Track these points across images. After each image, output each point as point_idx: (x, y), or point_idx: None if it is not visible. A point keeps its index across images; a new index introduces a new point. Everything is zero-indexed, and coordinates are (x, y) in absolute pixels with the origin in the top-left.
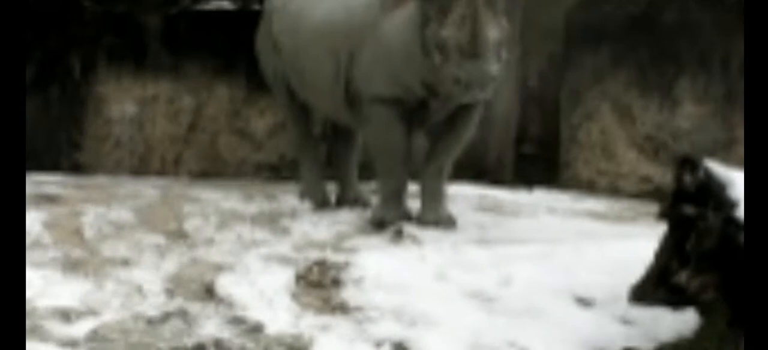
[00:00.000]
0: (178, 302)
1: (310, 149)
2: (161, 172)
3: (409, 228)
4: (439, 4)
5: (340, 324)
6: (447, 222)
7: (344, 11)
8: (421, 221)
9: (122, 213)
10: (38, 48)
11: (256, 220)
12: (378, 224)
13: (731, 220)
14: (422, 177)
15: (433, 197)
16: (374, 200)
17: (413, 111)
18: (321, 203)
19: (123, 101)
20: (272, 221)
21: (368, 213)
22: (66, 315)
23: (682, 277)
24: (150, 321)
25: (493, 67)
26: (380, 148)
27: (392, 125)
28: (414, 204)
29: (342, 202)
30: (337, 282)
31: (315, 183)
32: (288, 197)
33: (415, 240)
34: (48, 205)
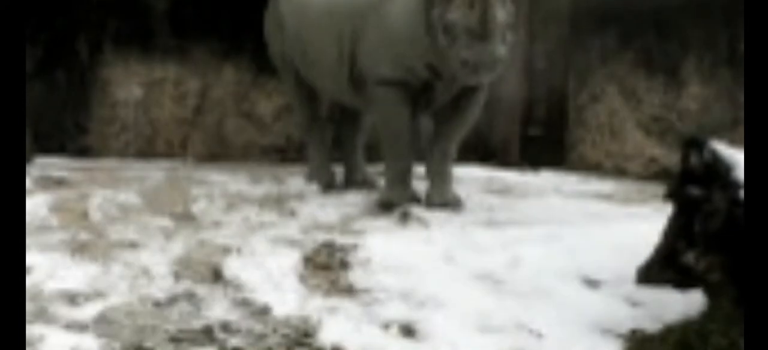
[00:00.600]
0: (185, 284)
1: (317, 131)
2: (168, 155)
3: (417, 210)
4: None
5: (347, 306)
6: (454, 204)
7: None
8: (429, 202)
9: (129, 196)
10: (45, 32)
11: (263, 202)
12: (385, 206)
13: (737, 201)
14: (429, 159)
15: (440, 179)
16: (381, 182)
17: (418, 93)
18: (328, 186)
19: (129, 84)
20: (279, 203)
21: (375, 195)
22: (73, 298)
23: (689, 258)
24: (157, 304)
25: (500, 50)
26: (386, 130)
27: (398, 108)
28: (421, 186)
29: (349, 184)
30: (344, 264)
31: (322, 165)
32: (295, 180)
33: (423, 222)
34: (55, 188)
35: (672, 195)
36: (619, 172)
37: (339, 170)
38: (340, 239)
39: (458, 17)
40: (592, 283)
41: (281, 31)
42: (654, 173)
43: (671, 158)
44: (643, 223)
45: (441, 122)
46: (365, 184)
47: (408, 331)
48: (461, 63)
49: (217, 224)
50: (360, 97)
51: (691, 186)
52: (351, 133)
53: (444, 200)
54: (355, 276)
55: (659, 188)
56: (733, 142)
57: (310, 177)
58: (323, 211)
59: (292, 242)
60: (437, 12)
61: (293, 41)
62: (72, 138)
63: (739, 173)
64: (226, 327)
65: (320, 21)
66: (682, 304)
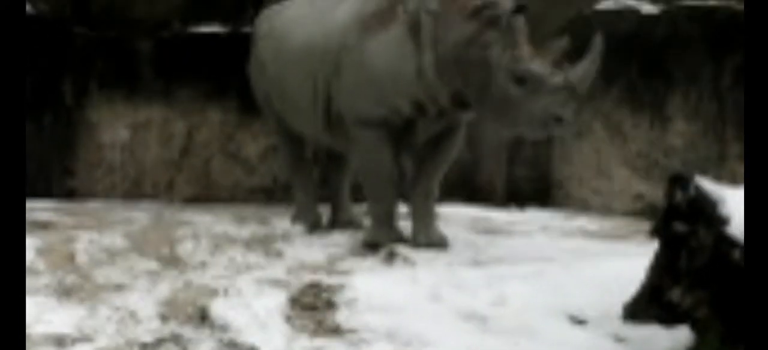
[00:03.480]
0: (171, 327)
1: (303, 172)
2: (154, 197)
3: (402, 250)
4: (508, 32)
5: (334, 346)
6: (439, 243)
7: (322, 35)
8: (415, 242)
9: (115, 239)
10: (30, 75)
11: (249, 244)
12: (371, 246)
13: (723, 237)
14: (412, 199)
15: (424, 219)
16: (367, 222)
17: (399, 132)
18: (314, 226)
19: (115, 127)
20: (265, 244)
21: (361, 235)
22: (60, 341)
23: (675, 294)
24: (144, 346)
25: None
26: (369, 171)
27: (380, 148)
28: (405, 226)
29: (335, 224)
30: (330, 304)
31: (308, 206)
32: (281, 221)
33: (408, 261)
34: (41, 232)
35: (657, 232)
36: (605, 209)
37: (325, 211)
38: (327, 280)
39: (549, 71)
40: (578, 320)
41: (263, 74)
42: (640, 210)
43: (657, 195)
44: (629, 260)
45: (422, 161)
46: (351, 224)
47: None
48: (552, 118)
49: (203, 266)
50: (336, 137)
51: (677, 223)
52: (336, 173)
53: (430, 239)
54: (342, 316)
55: (645, 225)
56: (718, 178)
57: (296, 218)
58: (309, 252)
59: (278, 283)
60: (500, 55)
61: (273, 83)
62: (58, 181)
63: (724, 208)
64: None
65: (296, 62)
66: (669, 340)
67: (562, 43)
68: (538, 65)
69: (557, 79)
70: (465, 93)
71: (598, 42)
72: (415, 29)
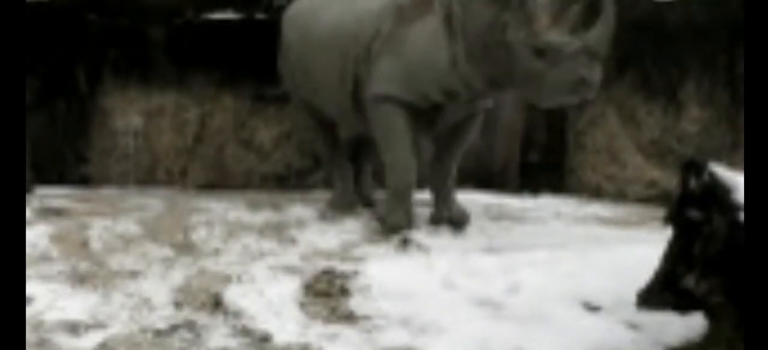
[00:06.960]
0: (185, 313)
1: (338, 156)
2: (167, 183)
3: (416, 236)
4: (522, 9)
5: (347, 332)
6: (461, 217)
7: (353, 18)
8: (437, 219)
9: (129, 225)
10: (44, 62)
11: (262, 230)
12: (385, 228)
13: (736, 223)
14: (432, 181)
15: (444, 197)
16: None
17: (423, 114)
18: (349, 209)
19: (128, 114)
20: (279, 231)
21: (375, 221)
22: (74, 328)
23: (689, 281)
24: (158, 333)
25: None
26: (389, 148)
27: (401, 122)
28: (422, 214)
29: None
30: (344, 291)
31: (345, 190)
32: (294, 207)
33: (422, 248)
34: (55, 218)
35: (671, 218)
36: (618, 195)
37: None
38: (340, 266)
39: (566, 39)
40: (592, 307)
41: (288, 59)
42: (654, 197)
43: (671, 181)
44: (643, 247)
45: (442, 145)
46: (372, 205)
47: None
48: (577, 83)
49: (216, 253)
50: (362, 117)
51: (691, 209)
52: (360, 155)
53: (450, 214)
54: (356, 303)
55: (659, 212)
56: (732, 165)
57: (333, 203)
58: (323, 238)
59: (292, 270)
60: (517, 34)
61: (297, 63)
62: (72, 168)
63: (738, 195)
64: None
65: (324, 43)
66: (683, 327)
67: (576, 8)
68: (554, 35)
69: (575, 44)
70: (497, 76)
71: (608, 2)
72: (448, 19)
